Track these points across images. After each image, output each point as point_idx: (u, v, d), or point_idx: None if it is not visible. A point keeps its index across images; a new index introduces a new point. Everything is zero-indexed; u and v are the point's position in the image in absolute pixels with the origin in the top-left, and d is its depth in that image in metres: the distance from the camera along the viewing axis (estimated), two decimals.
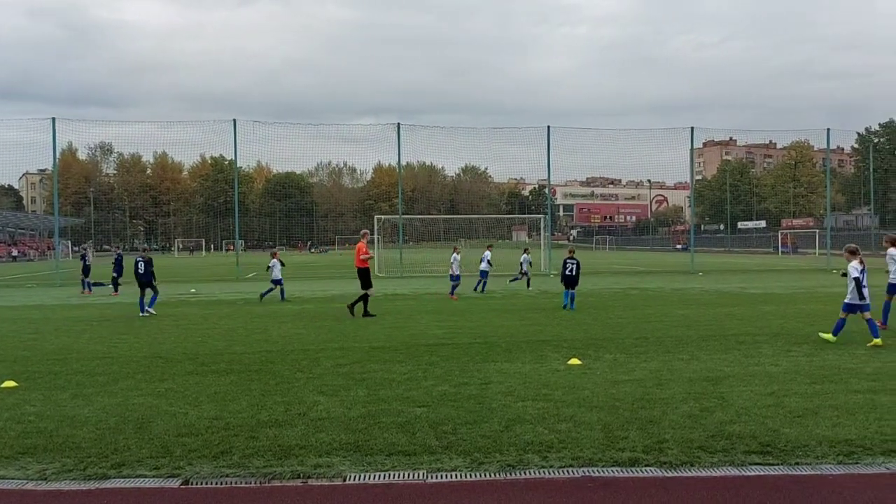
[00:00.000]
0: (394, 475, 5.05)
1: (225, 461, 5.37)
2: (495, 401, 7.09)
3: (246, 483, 4.95)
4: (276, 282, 20.35)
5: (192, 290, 23.63)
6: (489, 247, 24.17)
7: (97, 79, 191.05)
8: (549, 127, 35.73)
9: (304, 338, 12.07)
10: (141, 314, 15.96)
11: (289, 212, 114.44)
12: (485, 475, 5.03)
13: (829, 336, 11.06)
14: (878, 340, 10.56)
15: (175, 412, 6.82)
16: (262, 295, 20.32)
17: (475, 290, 22.28)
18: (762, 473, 5.04)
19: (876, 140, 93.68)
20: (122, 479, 5.03)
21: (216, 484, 4.94)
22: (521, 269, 23.92)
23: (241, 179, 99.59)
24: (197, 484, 4.95)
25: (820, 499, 4.56)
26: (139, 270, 16.53)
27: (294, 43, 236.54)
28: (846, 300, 11.12)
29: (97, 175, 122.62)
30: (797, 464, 5.22)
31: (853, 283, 10.93)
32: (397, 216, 41.01)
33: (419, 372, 8.68)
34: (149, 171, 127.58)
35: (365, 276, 15.66)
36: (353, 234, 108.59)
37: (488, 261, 22.66)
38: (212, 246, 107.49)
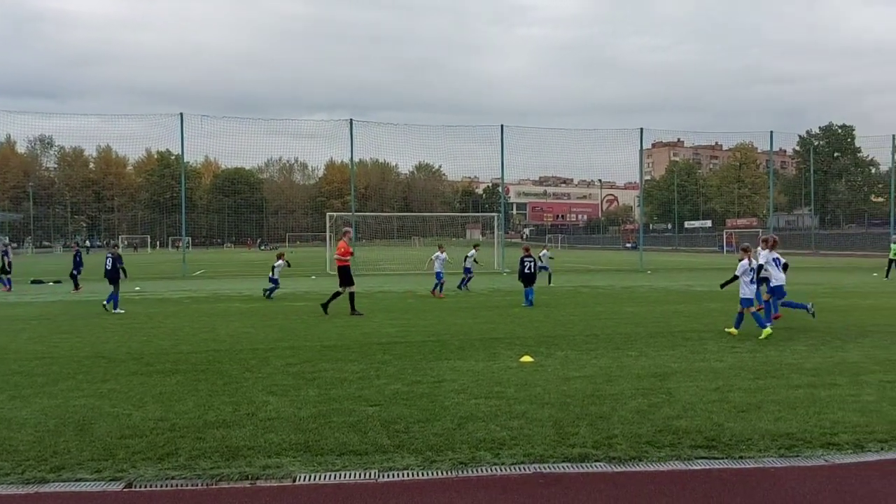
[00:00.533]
0: (345, 475, 5.00)
1: (170, 463, 5.23)
2: (448, 399, 7.09)
3: (192, 485, 4.83)
4: (273, 281, 20.33)
5: (137, 288, 22.99)
6: (476, 246, 24.43)
7: (37, 70, 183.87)
8: (502, 126, 36.00)
9: (254, 336, 11.86)
10: (114, 311, 15.93)
11: (238, 208, 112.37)
12: (437, 473, 5.02)
13: (732, 330, 11.78)
14: (767, 330, 11.36)
15: (118, 413, 6.62)
16: (268, 293, 20.27)
17: (458, 287, 22.19)
18: (707, 467, 5.15)
19: (816, 143, 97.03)
20: (62, 483, 4.86)
21: (161, 487, 4.81)
22: (538, 265, 24.03)
23: (189, 175, 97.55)
24: (141, 487, 4.81)
25: (762, 491, 4.68)
26: (106, 266, 16.75)
27: (246, 37, 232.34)
28: (741, 296, 11.85)
29: (37, 169, 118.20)
30: (741, 457, 5.36)
31: (747, 278, 11.80)
32: (350, 213, 40.67)
33: (371, 371, 8.62)
34: (92, 165, 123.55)
35: (345, 273, 15.47)
36: (304, 232, 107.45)
37: (474, 259, 22.89)
38: (157, 243, 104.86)
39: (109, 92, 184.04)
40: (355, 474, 5.01)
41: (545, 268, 24.45)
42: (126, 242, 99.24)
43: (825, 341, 10.89)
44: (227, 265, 46.83)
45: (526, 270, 17.16)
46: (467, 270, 22.66)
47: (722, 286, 13.10)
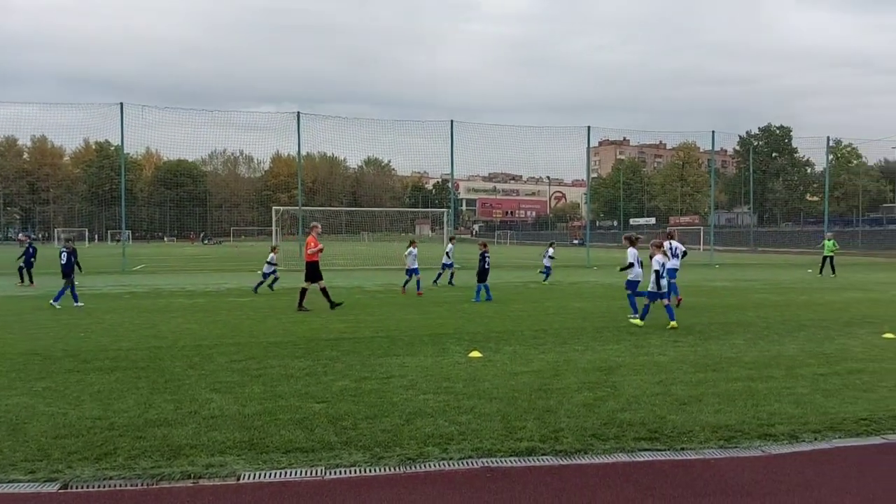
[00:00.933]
0: (291, 473, 4.92)
1: (108, 463, 5.06)
2: (396, 395, 7.06)
3: (132, 485, 4.69)
4: (265, 275, 20.42)
5: (32, 286, 22.19)
6: (452, 239, 24.30)
7: None
8: (452, 121, 36.04)
9: (197, 333, 11.59)
10: (54, 303, 15.80)
11: (180, 201, 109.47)
12: (384, 470, 4.99)
13: (637, 321, 12.45)
14: (674, 323, 12.01)
15: (53, 412, 6.37)
16: (269, 286, 20.33)
17: (434, 283, 22.14)
18: (650, 459, 5.26)
19: (755, 143, 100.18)
20: None
21: (99, 487, 4.66)
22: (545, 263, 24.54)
23: (129, 166, 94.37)
24: (77, 487, 4.65)
25: (703, 482, 4.81)
26: (62, 261, 16.64)
27: (191, 26, 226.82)
28: (648, 289, 12.65)
29: None
30: (682, 448, 5.49)
31: (654, 275, 12.57)
32: (297, 208, 40.09)
33: (319, 367, 8.51)
34: (26, 155, 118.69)
35: (313, 269, 15.23)
36: (249, 226, 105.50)
37: (448, 253, 22.78)
38: (96, 236, 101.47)
39: (46, 80, 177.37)
40: (301, 472, 4.94)
41: (548, 268, 24.50)
42: (63, 236, 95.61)
43: (762, 335, 11.25)
44: (169, 260, 45.68)
45: (486, 266, 17.38)
46: (445, 266, 22.57)
47: (620, 269, 14.04)
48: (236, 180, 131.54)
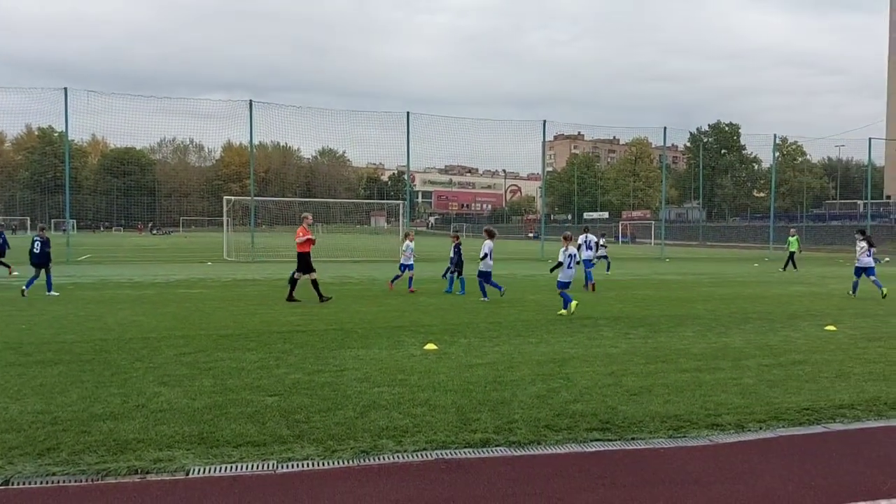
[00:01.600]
0: (242, 467, 4.84)
1: (51, 458, 4.90)
2: (350, 387, 7.01)
3: (76, 481, 4.55)
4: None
5: (15, 273, 21.42)
6: (408, 236, 23.12)
7: None
8: (408, 113, 35.88)
9: (144, 325, 11.30)
10: (24, 291, 15.64)
11: (127, 190, 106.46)
12: (338, 463, 4.95)
13: (563, 312, 13.01)
14: (563, 311, 12.90)
15: None
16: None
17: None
18: (602, 449, 5.34)
19: (705, 139, 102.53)
20: None
21: (42, 483, 4.50)
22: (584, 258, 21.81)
23: (74, 153, 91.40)
24: (19, 484, 4.48)
25: (652, 471, 4.90)
26: (34, 250, 16.43)
27: (140, 11, 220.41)
28: (558, 279, 13.39)
29: None
30: (633, 438, 5.58)
31: (561, 264, 13.38)
32: (249, 198, 39.43)
33: (271, 360, 8.39)
34: None
35: (304, 260, 14.96)
36: (199, 216, 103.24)
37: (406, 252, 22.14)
38: (38, 225, 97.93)
39: None
40: (253, 466, 4.86)
41: (604, 256, 24.46)
42: (2, 224, 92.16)
43: (710, 328, 11.53)
44: (115, 250, 44.47)
45: (461, 258, 17.38)
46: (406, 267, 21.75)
47: (551, 270, 14.37)
48: (186, 169, 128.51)
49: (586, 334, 10.66)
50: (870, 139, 47.78)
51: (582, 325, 11.70)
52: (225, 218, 37.00)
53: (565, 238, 13.59)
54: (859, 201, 74.23)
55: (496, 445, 5.34)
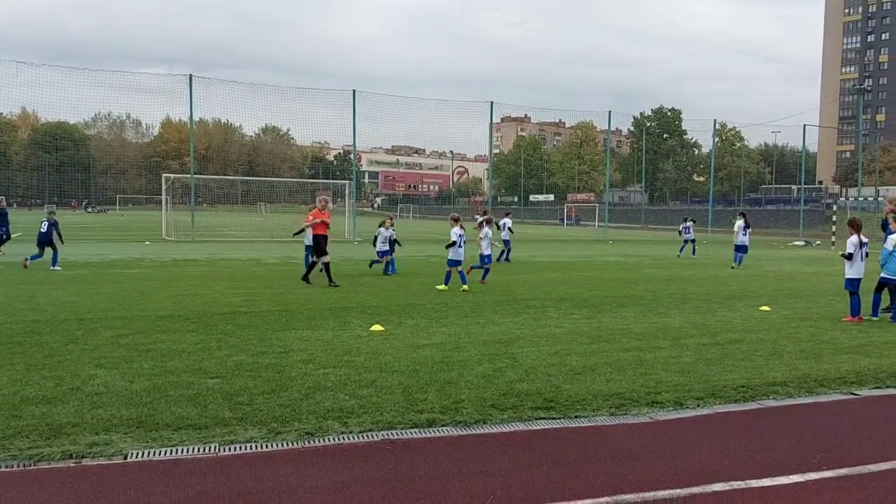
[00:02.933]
0: (182, 450, 4.73)
1: None
2: (295, 369, 6.91)
3: (7, 467, 4.37)
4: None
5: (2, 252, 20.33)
6: (387, 221, 23.00)
7: None
8: (354, 91, 35.37)
9: (79, 306, 10.90)
10: (53, 268, 16.61)
11: (60, 166, 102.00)
12: (282, 445, 4.88)
13: (442, 287, 13.79)
14: (465, 287, 13.63)
15: None
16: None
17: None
18: (546, 427, 5.41)
19: (648, 124, 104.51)
20: None
21: None
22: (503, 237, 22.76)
23: (2, 127, 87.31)
24: None
25: (594, 447, 4.99)
26: (42, 230, 17.34)
27: None
28: (449, 257, 14.18)
29: None
30: (576, 416, 5.68)
31: (452, 245, 14.20)
32: (189, 176, 38.36)
33: (213, 342, 8.20)
34: None
35: (318, 243, 14.28)
36: (136, 194, 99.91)
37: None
38: (47, 208, 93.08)
39: None
40: (194, 449, 4.75)
41: (506, 241, 22.54)
42: (46, 207, 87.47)
43: (651, 308, 11.80)
44: None
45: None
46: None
47: (446, 247, 14.59)
48: (123, 145, 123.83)
49: (532, 315, 10.78)
50: (804, 126, 49.46)
51: (528, 305, 11.82)
52: (164, 196, 35.97)
53: (454, 219, 14.63)
54: (793, 186, 76.94)
55: (442, 425, 5.36)
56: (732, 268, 21.01)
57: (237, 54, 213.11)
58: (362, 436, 5.09)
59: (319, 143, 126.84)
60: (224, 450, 4.76)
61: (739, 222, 22.19)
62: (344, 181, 48.48)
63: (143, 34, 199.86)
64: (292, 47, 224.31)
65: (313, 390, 6.15)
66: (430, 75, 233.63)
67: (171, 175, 42.33)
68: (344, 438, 5.03)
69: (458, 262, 14.20)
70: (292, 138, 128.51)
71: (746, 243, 22.06)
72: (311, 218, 14.67)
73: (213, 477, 4.31)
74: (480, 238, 15.59)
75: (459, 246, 14.17)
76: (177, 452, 4.69)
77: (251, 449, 4.80)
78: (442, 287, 13.82)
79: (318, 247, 14.37)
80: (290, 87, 75.49)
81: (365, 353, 7.72)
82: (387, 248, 17.26)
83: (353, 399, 5.92)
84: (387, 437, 5.08)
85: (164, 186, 35.89)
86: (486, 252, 15.61)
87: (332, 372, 6.82)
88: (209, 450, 4.75)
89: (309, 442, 4.95)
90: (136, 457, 4.60)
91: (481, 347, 8.15)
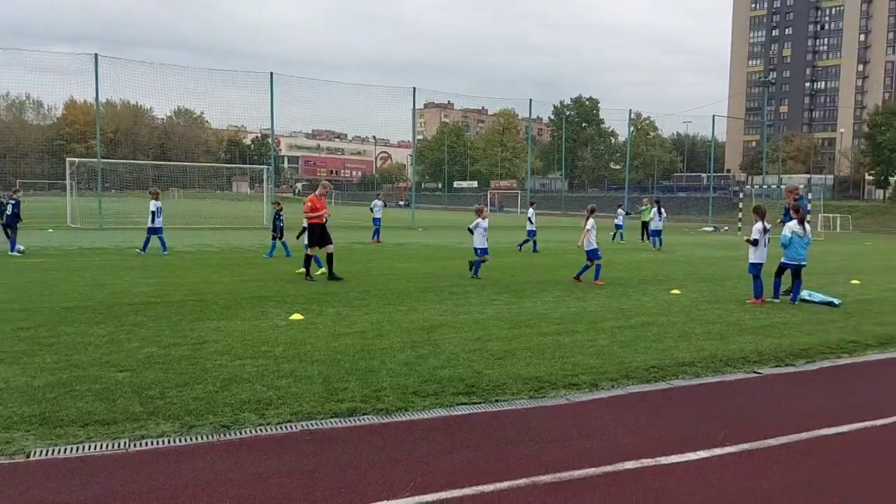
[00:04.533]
0: (90, 447, 4.52)
1: None
2: (210, 361, 6.71)
3: None
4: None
5: None
6: (532, 204, 23.82)
7: None
8: (272, 74, 34.47)
9: None
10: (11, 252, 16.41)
11: None
12: (196, 439, 4.74)
13: (321, 271, 13.63)
14: (322, 270, 13.59)
15: None
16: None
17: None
18: (467, 412, 5.47)
19: (568, 113, 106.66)
20: None
21: None
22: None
23: None
24: None
25: (513, 430, 5.08)
26: (7, 212, 17.09)
27: None
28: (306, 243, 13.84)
29: None
30: (496, 401, 5.76)
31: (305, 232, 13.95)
32: (95, 160, 36.53)
33: (122, 334, 7.86)
34: None
35: (313, 232, 13.32)
36: (38, 179, 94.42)
37: (529, 219, 22.31)
38: (12, 188, 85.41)
39: None
40: (102, 445, 4.55)
41: (532, 232, 22.32)
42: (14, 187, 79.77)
43: (570, 293, 12.09)
44: None
45: (281, 223, 17.65)
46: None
47: (297, 237, 15.02)
48: (23, 127, 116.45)
49: (454, 301, 10.84)
50: (713, 117, 51.71)
51: (451, 292, 11.89)
52: (68, 181, 34.09)
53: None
54: (703, 174, 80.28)
55: (363, 414, 5.33)
56: (653, 250, 23.05)
57: (149, 33, 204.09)
58: (281, 427, 5.00)
59: (236, 126, 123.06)
60: (134, 445, 4.59)
61: (654, 209, 24.70)
62: (262, 166, 47.28)
63: (44, 10, 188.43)
64: (208, 27, 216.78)
65: (229, 382, 6.00)
66: (352, 59, 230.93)
67: (77, 159, 40.23)
68: (261, 430, 4.93)
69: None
70: (207, 121, 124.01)
71: (661, 228, 24.65)
72: (309, 207, 13.43)
73: (123, 473, 4.14)
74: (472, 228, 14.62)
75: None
76: (84, 449, 4.48)
77: (163, 444, 4.64)
78: (321, 271, 13.63)
79: (315, 236, 13.29)
80: (205, 69, 72.61)
81: (284, 342, 7.58)
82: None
83: (272, 390, 5.80)
84: (306, 427, 5.01)
85: (68, 171, 34.02)
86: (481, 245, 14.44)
87: (250, 363, 6.67)
88: (118, 446, 4.56)
89: (224, 435, 4.83)
90: (40, 455, 4.37)
91: (404, 335, 8.14)
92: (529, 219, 22.39)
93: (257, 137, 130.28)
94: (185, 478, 4.12)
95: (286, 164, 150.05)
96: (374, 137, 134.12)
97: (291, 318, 9.02)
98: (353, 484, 4.08)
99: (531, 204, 24.18)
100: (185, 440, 4.72)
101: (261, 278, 13.37)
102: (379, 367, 6.63)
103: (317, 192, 13.78)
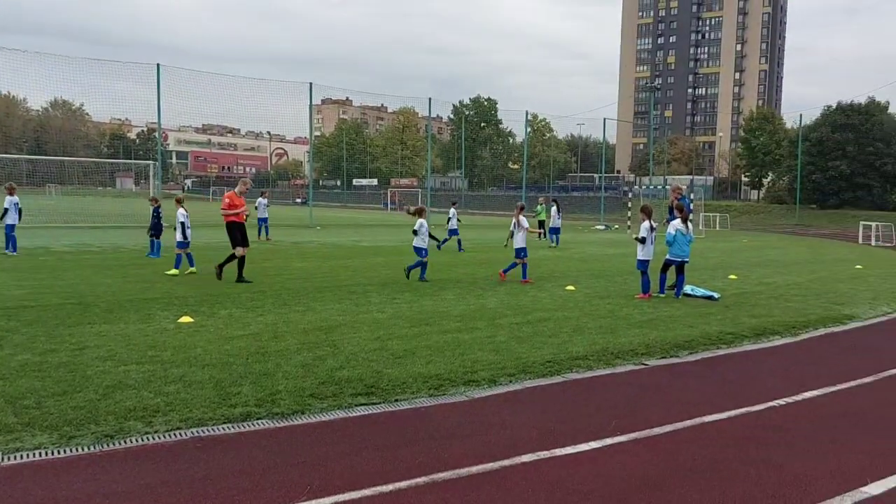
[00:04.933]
0: None
1: None
2: (91, 367, 6.32)
3: None
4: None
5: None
6: (454, 203, 24.63)
7: None
8: (158, 65, 32.86)
9: None
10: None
11: None
12: (77, 450, 4.45)
13: (174, 271, 13.46)
14: (193, 270, 13.52)
15: None
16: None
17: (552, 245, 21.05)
18: (367, 413, 5.41)
19: (467, 112, 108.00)
20: None
21: None
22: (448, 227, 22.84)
23: None
24: None
25: (413, 429, 5.07)
26: None
27: None
28: (178, 240, 13.86)
29: None
30: (396, 400, 5.74)
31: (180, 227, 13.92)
32: None
33: None
34: None
35: (232, 230, 12.50)
36: None
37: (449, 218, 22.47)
38: None
39: None
40: None
41: (454, 231, 22.51)
42: None
43: (470, 290, 12.23)
44: None
45: (160, 221, 17.19)
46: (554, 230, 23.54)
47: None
48: None
49: (354, 301, 10.73)
50: (604, 119, 53.83)
51: (350, 291, 11.75)
52: None
53: (178, 201, 14.30)
54: (595, 175, 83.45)
55: (258, 418, 5.17)
56: (550, 247, 24.06)
57: (23, 19, 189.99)
58: (169, 435, 4.77)
59: (119, 119, 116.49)
60: (8, 459, 4.26)
61: (553, 208, 25.75)
62: (148, 161, 45.09)
63: None
64: (89, 14, 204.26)
65: (113, 389, 5.66)
66: (247, 53, 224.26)
67: None
68: (148, 439, 4.69)
69: (185, 245, 13.86)
70: (87, 114, 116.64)
71: (559, 226, 25.69)
72: (227, 204, 12.65)
73: None
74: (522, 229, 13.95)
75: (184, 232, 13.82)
76: None
77: (40, 456, 4.33)
78: (173, 272, 13.42)
79: (234, 237, 12.61)
80: (85, 58, 67.93)
81: (172, 346, 7.24)
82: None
83: (159, 396, 5.53)
84: (197, 434, 4.80)
85: None
86: (521, 245, 13.86)
87: (135, 369, 6.32)
88: None
89: (108, 445, 4.55)
90: None
91: (301, 336, 7.97)
92: (449, 218, 23.12)
93: (143, 131, 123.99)
94: (64, 491, 3.86)
95: (174, 160, 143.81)
96: (268, 133, 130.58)
97: (180, 320, 8.63)
98: (247, 490, 3.95)
99: (453, 203, 25.44)
100: (65, 452, 4.42)
101: (147, 279, 12.73)
102: (274, 369, 6.46)
103: (236, 189, 12.99)
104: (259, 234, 24.60)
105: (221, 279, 12.55)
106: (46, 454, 4.38)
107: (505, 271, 12.95)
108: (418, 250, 13.60)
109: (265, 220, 25.58)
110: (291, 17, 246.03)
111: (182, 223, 13.90)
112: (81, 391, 5.59)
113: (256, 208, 25.69)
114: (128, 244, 20.77)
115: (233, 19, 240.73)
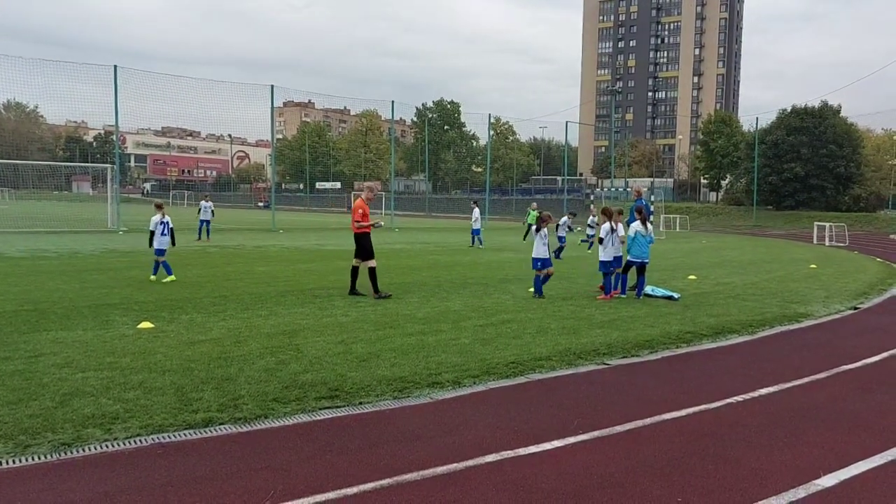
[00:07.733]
0: None
1: None
2: (48, 374, 6.17)
3: None
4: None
5: None
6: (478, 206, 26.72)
7: None
8: (115, 66, 32.23)
9: None
10: None
11: None
12: (33, 459, 4.35)
13: (154, 278, 13.15)
14: (172, 278, 13.02)
15: None
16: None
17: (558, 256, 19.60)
18: (331, 416, 5.39)
19: (430, 115, 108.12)
20: None
21: None
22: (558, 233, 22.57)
23: None
24: None
25: (378, 431, 5.08)
26: None
27: None
28: (156, 247, 13.32)
29: None
30: (360, 403, 5.73)
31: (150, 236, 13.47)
32: None
33: None
34: None
35: (360, 243, 11.90)
36: None
37: (569, 226, 23.28)
38: None
39: None
40: None
41: (562, 237, 22.56)
42: None
43: (434, 293, 12.26)
44: None
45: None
46: (561, 239, 22.24)
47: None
48: None
49: (318, 305, 10.67)
50: (566, 123, 54.37)
51: (314, 295, 11.68)
52: None
53: (157, 206, 13.84)
54: (558, 177, 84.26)
55: (220, 424, 5.11)
56: (471, 246, 25.42)
57: None
58: (129, 442, 4.70)
59: (75, 122, 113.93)
60: None
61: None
62: (105, 165, 44.06)
63: None
64: (45, 14, 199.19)
65: (70, 397, 5.55)
66: (208, 55, 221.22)
67: None
68: (108, 446, 4.60)
69: (162, 252, 13.25)
70: (41, 116, 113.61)
71: (480, 227, 26.93)
72: (362, 214, 11.82)
73: None
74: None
75: (163, 234, 13.37)
76: None
77: None
78: (153, 278, 13.08)
79: (363, 248, 11.93)
80: (39, 59, 66.34)
81: (132, 352, 7.12)
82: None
83: (118, 403, 5.43)
84: (158, 441, 4.73)
85: None
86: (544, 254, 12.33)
87: (93, 375, 6.20)
88: None
89: (66, 453, 4.46)
90: None
91: (264, 340, 7.90)
92: (569, 227, 24.61)
93: (100, 134, 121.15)
94: (20, 502, 3.77)
95: (133, 163, 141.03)
96: (229, 136, 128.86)
97: (140, 326, 8.49)
98: (210, 496, 3.91)
99: (475, 203, 28.19)
100: (20, 461, 4.32)
101: (105, 284, 12.47)
102: (237, 374, 6.39)
103: (363, 196, 12.17)
104: (199, 236, 25.91)
105: (390, 295, 11.72)
106: (1, 464, 4.27)
107: (607, 292, 11.81)
108: (545, 261, 12.05)
109: (208, 221, 26.75)
110: (254, 20, 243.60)
111: (152, 231, 13.38)
112: (37, 399, 5.47)
113: (199, 211, 27.13)
114: (85, 249, 20.31)
115: (194, 22, 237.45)
